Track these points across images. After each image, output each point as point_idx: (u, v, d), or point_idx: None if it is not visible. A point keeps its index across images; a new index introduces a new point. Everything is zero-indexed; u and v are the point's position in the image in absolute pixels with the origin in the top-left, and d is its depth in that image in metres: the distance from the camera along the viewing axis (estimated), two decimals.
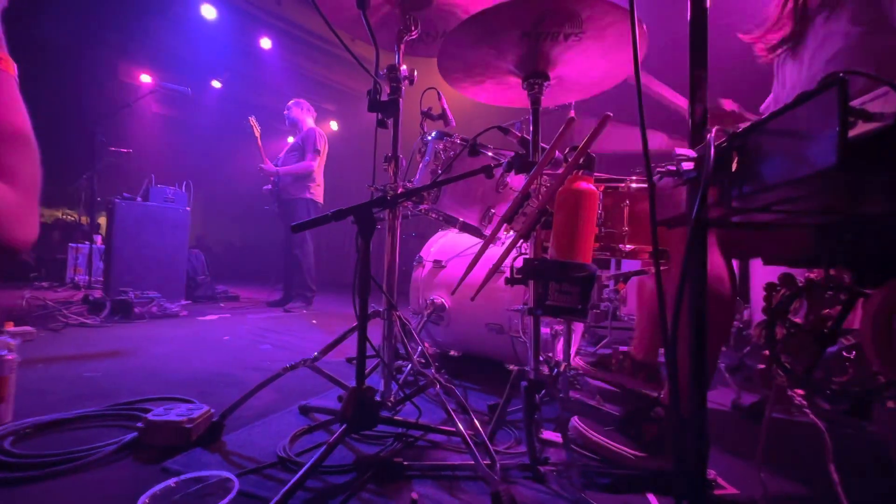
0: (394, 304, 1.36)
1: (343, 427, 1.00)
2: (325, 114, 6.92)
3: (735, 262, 1.20)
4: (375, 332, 1.23)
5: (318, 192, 4.00)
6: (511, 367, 1.77)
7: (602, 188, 1.36)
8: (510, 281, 1.07)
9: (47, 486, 0.94)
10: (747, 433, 1.49)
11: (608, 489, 1.03)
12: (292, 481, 0.87)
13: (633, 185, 1.35)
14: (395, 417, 1.25)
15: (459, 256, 2.04)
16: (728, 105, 1.42)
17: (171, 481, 0.82)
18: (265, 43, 5.68)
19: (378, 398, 1.04)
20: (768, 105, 1.49)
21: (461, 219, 1.51)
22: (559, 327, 1.68)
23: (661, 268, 0.66)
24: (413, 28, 1.44)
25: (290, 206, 3.92)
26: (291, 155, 3.99)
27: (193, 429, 1.12)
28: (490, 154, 1.43)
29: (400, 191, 1.39)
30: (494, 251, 1.57)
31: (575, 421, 1.23)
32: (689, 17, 0.66)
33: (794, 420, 1.44)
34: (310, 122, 4.09)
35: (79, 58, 5.82)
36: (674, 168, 0.62)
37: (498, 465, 1.01)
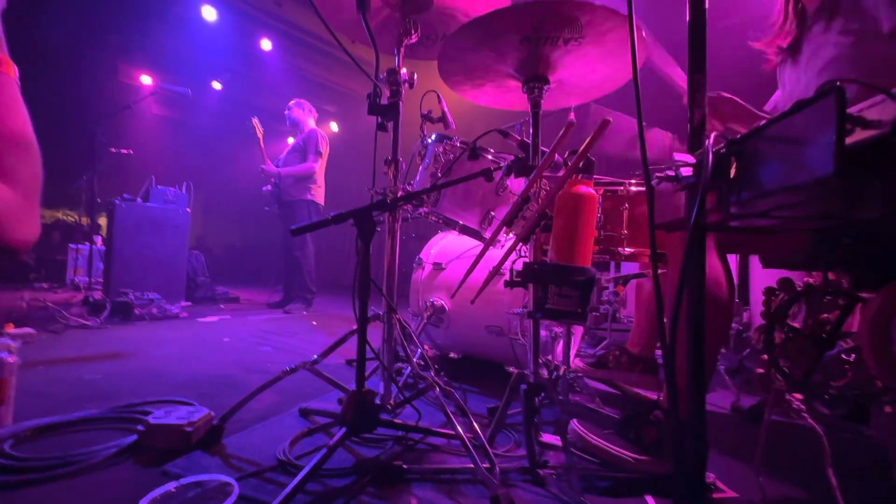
0: (393, 308, 1.36)
1: (343, 430, 1.00)
2: (325, 115, 6.92)
3: (735, 265, 1.21)
4: (375, 334, 1.23)
5: (318, 194, 4.00)
6: (511, 369, 1.77)
7: (601, 191, 1.37)
8: (510, 284, 1.07)
9: (47, 489, 0.94)
10: (746, 436, 1.49)
11: (607, 492, 1.04)
12: (292, 485, 0.87)
13: (633, 188, 1.36)
14: (395, 420, 1.25)
15: (459, 258, 2.04)
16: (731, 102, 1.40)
17: (171, 486, 0.83)
18: (265, 44, 5.69)
19: (378, 401, 1.04)
20: (775, 106, 1.48)
21: (461, 222, 1.51)
22: (559, 330, 1.69)
23: (660, 270, 0.66)
24: (413, 31, 1.44)
25: (290, 208, 3.92)
26: (292, 156, 3.99)
27: (193, 432, 1.12)
28: (490, 157, 1.44)
29: (400, 194, 1.39)
30: (494, 253, 1.57)
31: (574, 424, 1.23)
32: (687, 20, 0.66)
33: (793, 423, 1.44)
34: (311, 122, 4.10)
35: (79, 59, 5.82)
36: (672, 174, 0.62)
37: (497, 469, 1.01)
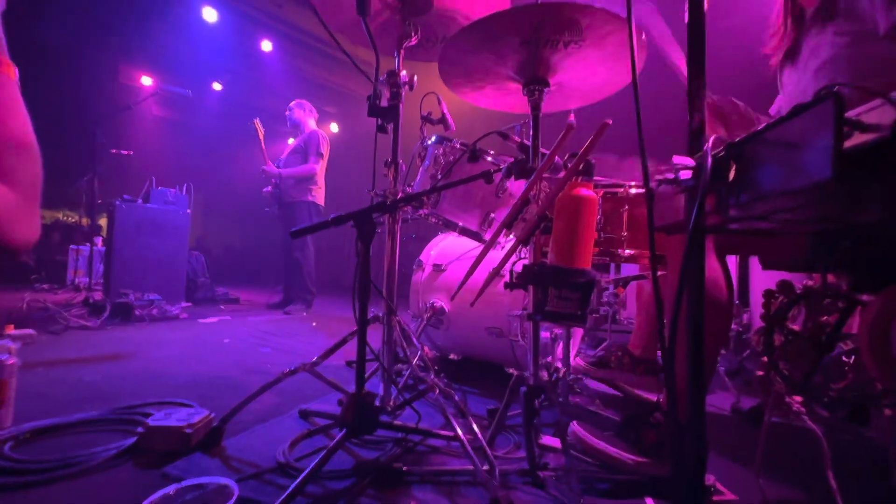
0: (393, 310, 1.36)
1: (343, 432, 1.00)
2: (325, 116, 6.93)
3: (734, 266, 1.21)
4: (375, 336, 1.23)
5: (319, 195, 4.00)
6: (511, 370, 1.77)
7: (601, 193, 1.37)
8: (510, 285, 1.07)
9: (47, 491, 0.94)
10: (746, 437, 1.49)
11: (607, 494, 1.04)
12: (291, 487, 0.87)
13: (632, 190, 1.36)
14: (395, 422, 1.25)
15: (459, 260, 2.04)
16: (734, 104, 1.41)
17: (171, 488, 0.83)
18: (266, 45, 5.69)
19: (378, 403, 1.04)
20: (778, 109, 1.48)
21: (461, 223, 1.51)
22: (559, 331, 1.69)
23: (659, 272, 0.66)
24: (413, 34, 1.44)
25: (291, 209, 3.92)
26: (293, 157, 3.99)
27: (193, 434, 1.12)
28: (490, 159, 1.44)
29: (400, 196, 1.39)
30: (494, 255, 1.57)
31: (574, 426, 1.24)
32: (686, 22, 0.66)
33: (792, 425, 1.44)
34: (312, 123, 4.10)
35: (80, 59, 5.82)
36: (672, 176, 0.63)
37: (497, 471, 1.01)
